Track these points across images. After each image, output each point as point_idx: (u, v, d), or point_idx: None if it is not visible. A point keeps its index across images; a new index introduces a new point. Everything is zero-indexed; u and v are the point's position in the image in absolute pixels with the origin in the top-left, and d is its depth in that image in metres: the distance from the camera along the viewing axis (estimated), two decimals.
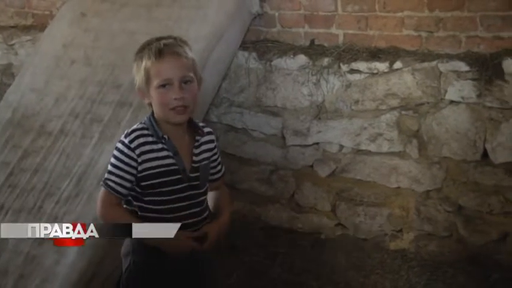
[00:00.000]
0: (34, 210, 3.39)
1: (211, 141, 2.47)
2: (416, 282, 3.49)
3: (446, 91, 3.50)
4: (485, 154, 3.48)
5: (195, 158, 2.39)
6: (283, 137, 4.01)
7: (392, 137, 3.67)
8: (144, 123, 2.38)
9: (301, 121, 3.92)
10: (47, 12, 4.94)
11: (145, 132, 2.35)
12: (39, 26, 4.93)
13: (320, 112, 3.85)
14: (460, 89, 3.46)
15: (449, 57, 3.52)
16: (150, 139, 2.34)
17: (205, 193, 2.46)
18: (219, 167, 2.55)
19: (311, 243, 3.93)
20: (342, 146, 3.84)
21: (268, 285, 3.55)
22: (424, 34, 3.64)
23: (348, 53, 3.78)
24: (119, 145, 2.35)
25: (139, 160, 2.32)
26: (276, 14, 4.07)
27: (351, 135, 3.79)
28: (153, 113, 2.38)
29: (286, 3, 4.02)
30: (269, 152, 4.07)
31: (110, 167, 2.36)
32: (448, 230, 3.64)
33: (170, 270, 2.38)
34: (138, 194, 2.37)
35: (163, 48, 2.30)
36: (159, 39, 2.35)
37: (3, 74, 5.15)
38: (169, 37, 2.38)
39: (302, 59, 3.87)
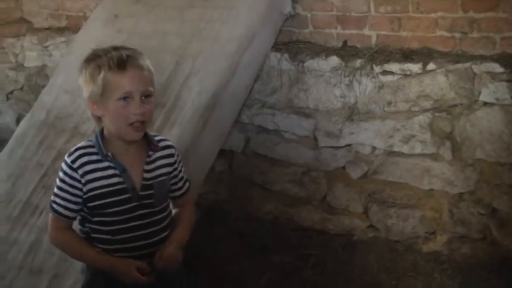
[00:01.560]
0: None
1: (170, 155, 2.35)
2: (449, 285, 3.46)
3: (480, 92, 3.46)
4: None
5: (146, 175, 2.27)
6: (315, 139, 4.00)
7: (425, 138, 3.65)
8: (90, 140, 2.27)
9: (333, 122, 3.91)
10: (80, 14, 4.99)
11: (90, 150, 2.24)
12: (72, 27, 4.99)
13: (352, 113, 3.83)
14: (494, 91, 3.42)
15: (484, 58, 3.48)
16: (94, 157, 2.23)
17: (163, 211, 2.34)
18: (180, 184, 2.43)
19: (343, 245, 3.91)
20: (374, 148, 3.82)
21: (299, 286, 3.54)
22: (457, 35, 3.61)
23: (381, 54, 3.76)
24: (62, 165, 2.25)
25: (83, 181, 2.21)
26: (309, 15, 4.06)
27: (384, 137, 3.77)
28: (102, 129, 2.26)
29: (319, 4, 4.01)
30: (301, 153, 4.06)
31: (55, 189, 2.27)
32: (481, 233, 3.61)
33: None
34: (87, 215, 2.28)
35: (126, 59, 2.17)
36: (116, 48, 2.23)
37: (38, 76, 5.22)
38: (126, 48, 2.25)
39: (334, 60, 3.86)
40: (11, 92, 5.49)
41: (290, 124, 4.05)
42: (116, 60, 2.17)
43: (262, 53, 3.98)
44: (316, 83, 3.93)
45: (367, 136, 3.82)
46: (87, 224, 2.30)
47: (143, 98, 2.20)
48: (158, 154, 2.32)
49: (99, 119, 2.26)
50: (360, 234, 3.97)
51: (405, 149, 3.71)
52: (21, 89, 5.42)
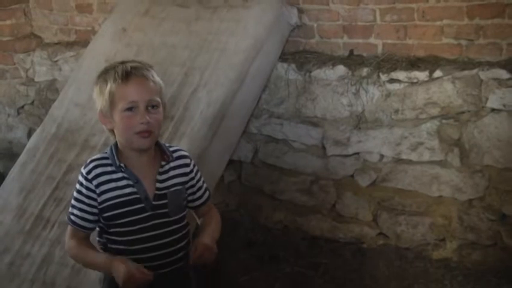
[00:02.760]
0: None
1: (184, 165, 2.37)
2: None
3: (487, 99, 3.47)
4: None
5: (159, 185, 2.30)
6: (324, 147, 4.01)
7: (433, 145, 3.65)
8: (105, 152, 2.31)
9: (341, 131, 3.93)
10: (89, 28, 5.03)
11: (104, 161, 2.28)
12: (82, 41, 5.01)
13: (360, 122, 3.85)
14: (502, 97, 3.42)
15: (490, 65, 3.49)
16: (109, 169, 2.26)
17: (179, 221, 2.35)
18: (199, 193, 2.44)
19: (353, 253, 3.92)
20: (382, 156, 3.83)
21: None
22: (464, 42, 3.62)
23: (387, 62, 3.77)
24: (79, 177, 2.29)
25: (98, 191, 2.25)
26: (315, 24, 4.08)
27: (392, 145, 3.78)
28: (116, 141, 2.31)
29: (325, 14, 4.03)
30: (309, 162, 4.08)
31: (72, 201, 2.31)
32: (491, 239, 3.61)
33: None
34: (104, 225, 2.31)
35: (130, 71, 2.22)
36: (124, 62, 2.28)
37: (48, 90, 5.25)
38: (134, 61, 2.31)
39: (341, 69, 3.88)
40: (22, 107, 5.53)
41: (298, 133, 4.06)
42: (120, 72, 2.22)
43: (269, 63, 4.01)
44: (324, 92, 3.94)
45: (375, 144, 3.83)
46: (104, 235, 2.34)
47: (149, 108, 2.23)
48: (172, 164, 2.35)
49: (112, 131, 2.31)
50: (370, 242, 3.97)
51: (413, 156, 3.72)
52: (32, 103, 5.45)
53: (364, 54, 3.94)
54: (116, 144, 2.31)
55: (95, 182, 2.25)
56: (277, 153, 4.18)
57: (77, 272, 3.27)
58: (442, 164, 3.67)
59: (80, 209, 2.29)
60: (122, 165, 2.26)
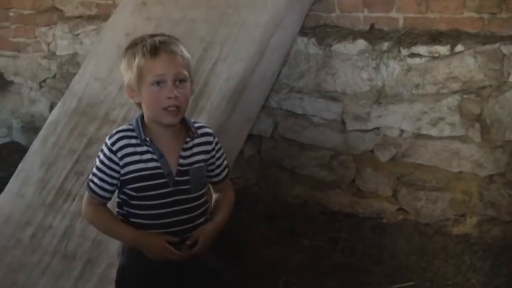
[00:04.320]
0: None
1: (208, 142, 2.38)
2: (480, 267, 3.45)
3: (509, 74, 3.43)
4: None
5: (182, 161, 2.30)
6: (343, 122, 4.00)
7: (454, 121, 3.63)
8: (131, 124, 2.32)
9: (361, 106, 3.91)
10: (110, 2, 5.04)
11: (130, 134, 2.29)
12: (102, 15, 5.02)
13: (380, 97, 3.83)
14: None
15: None
16: (133, 141, 2.27)
17: (200, 198, 2.37)
18: (217, 171, 2.44)
19: (372, 228, 3.92)
20: (402, 131, 3.81)
21: (329, 270, 3.56)
22: (486, 16, 3.58)
23: (408, 36, 3.74)
24: (103, 146, 2.31)
25: (121, 163, 2.27)
26: None
27: (412, 120, 3.76)
28: (142, 114, 2.32)
29: None
30: (329, 137, 4.07)
31: (93, 169, 2.33)
32: None
33: (156, 275, 2.33)
34: (127, 197, 2.33)
35: (158, 45, 2.22)
36: (152, 36, 2.28)
37: (69, 64, 5.28)
38: (163, 34, 2.31)
39: (361, 43, 3.85)
40: (44, 81, 5.56)
41: (318, 108, 4.05)
42: (149, 46, 2.22)
43: (289, 37, 3.99)
44: (344, 66, 3.92)
45: (395, 119, 3.81)
46: (125, 208, 2.36)
47: (177, 82, 2.24)
48: (196, 141, 2.36)
49: (139, 105, 2.32)
50: (389, 217, 3.97)
51: (434, 131, 3.70)
52: (54, 77, 5.48)
53: (385, 28, 3.91)
54: (142, 117, 2.32)
55: (119, 154, 2.27)
56: (297, 128, 4.18)
57: (97, 245, 3.31)
58: (462, 139, 3.64)
59: (101, 179, 2.31)
60: (148, 139, 2.28)
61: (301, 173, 4.21)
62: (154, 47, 2.22)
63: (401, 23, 3.85)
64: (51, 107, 5.22)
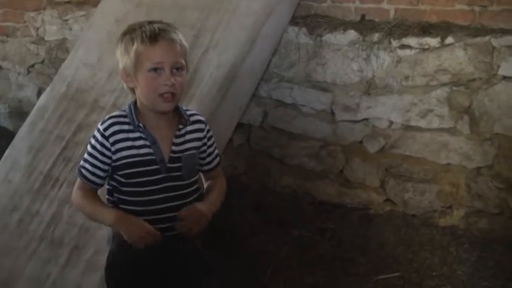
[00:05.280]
0: None
1: (199, 130, 2.38)
2: (466, 259, 3.47)
3: (499, 67, 3.44)
4: None
5: (174, 148, 2.31)
6: (333, 113, 4.00)
7: (443, 113, 3.64)
8: (124, 110, 2.32)
9: (350, 97, 3.91)
10: None
11: (122, 120, 2.28)
12: (92, 1, 4.97)
13: (370, 88, 3.83)
14: None
15: (503, 32, 3.45)
16: (126, 127, 2.27)
17: (192, 185, 2.37)
18: (209, 159, 2.45)
19: (360, 218, 3.92)
20: (391, 122, 3.82)
21: (316, 260, 3.57)
22: (477, 8, 3.59)
23: (399, 28, 3.74)
24: (95, 132, 2.30)
25: (113, 149, 2.26)
26: None
27: (401, 111, 3.76)
28: (135, 100, 2.32)
29: None
30: (318, 127, 4.07)
31: (85, 155, 2.32)
32: (499, 207, 3.60)
33: (146, 262, 2.33)
34: (117, 184, 2.32)
35: (158, 32, 2.22)
36: (151, 22, 2.28)
37: (58, 49, 5.25)
38: (161, 22, 2.30)
39: (352, 34, 3.85)
40: (32, 66, 5.53)
41: (308, 98, 4.05)
42: (148, 33, 2.22)
43: (280, 26, 3.98)
44: (334, 57, 3.92)
45: (385, 110, 3.82)
46: (116, 194, 2.35)
47: (174, 70, 2.24)
48: (188, 128, 2.36)
49: (133, 90, 2.32)
50: (377, 208, 3.98)
51: (422, 123, 3.71)
52: (42, 62, 5.45)
53: (376, 20, 3.91)
54: (134, 103, 2.32)
55: (111, 140, 2.26)
56: (287, 118, 4.18)
57: (85, 231, 3.30)
58: (451, 131, 3.65)
59: (92, 164, 2.30)
60: (141, 125, 2.27)
61: (290, 162, 4.21)
62: (154, 33, 2.22)
63: (392, 14, 3.86)
64: (39, 93, 5.19)
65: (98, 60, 4.01)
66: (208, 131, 2.43)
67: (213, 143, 2.46)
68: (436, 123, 3.68)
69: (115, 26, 4.11)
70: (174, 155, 2.31)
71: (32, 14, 5.42)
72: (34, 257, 3.34)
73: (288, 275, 3.44)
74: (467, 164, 3.63)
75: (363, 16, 3.96)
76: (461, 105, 3.59)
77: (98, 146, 2.28)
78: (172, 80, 2.22)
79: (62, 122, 3.83)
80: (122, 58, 2.29)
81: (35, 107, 4.05)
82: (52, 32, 5.29)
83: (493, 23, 3.54)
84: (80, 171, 2.33)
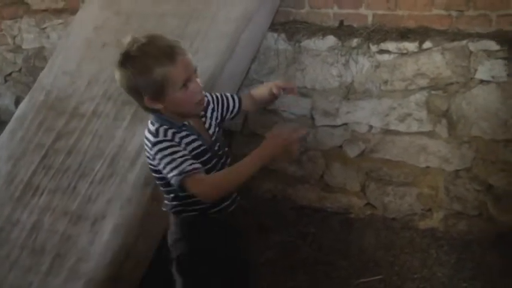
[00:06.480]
0: (68, 191, 3.46)
1: (208, 102, 2.47)
2: (446, 261, 3.51)
3: (476, 70, 3.49)
4: None
5: (210, 132, 2.43)
6: (313, 118, 4.03)
7: (422, 116, 3.68)
8: (156, 121, 2.31)
9: (330, 102, 3.94)
10: None
11: (165, 126, 2.30)
12: (70, 9, 4.97)
13: (349, 93, 3.86)
14: (491, 68, 3.44)
15: (480, 36, 3.50)
16: (173, 130, 2.30)
17: (228, 155, 2.50)
18: (231, 103, 2.58)
19: (340, 222, 3.96)
20: (371, 126, 3.85)
21: (298, 264, 3.58)
22: (454, 13, 3.63)
23: (377, 33, 3.77)
24: (161, 144, 2.27)
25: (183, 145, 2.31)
26: None
27: (380, 116, 3.80)
28: (157, 113, 2.32)
29: None
30: None
31: (173, 163, 2.24)
32: (477, 209, 3.65)
33: (228, 253, 2.49)
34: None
35: (171, 50, 2.22)
36: (149, 42, 2.24)
37: (36, 58, 5.22)
38: (163, 37, 2.28)
39: (331, 40, 3.87)
40: (9, 74, 5.50)
41: (288, 103, 4.06)
42: (164, 54, 2.22)
43: (259, 33, 3.99)
44: (313, 62, 3.95)
45: (364, 115, 3.85)
46: (181, 194, 2.37)
47: (194, 75, 2.31)
48: (207, 112, 2.47)
49: (158, 110, 2.31)
50: (357, 212, 4.01)
51: (401, 127, 3.75)
52: (20, 71, 5.43)
53: (355, 25, 3.94)
54: (159, 115, 2.32)
55: (177, 139, 2.29)
56: (268, 123, 4.18)
57: (66, 239, 3.28)
58: (430, 135, 3.69)
59: (183, 156, 2.26)
60: (185, 123, 2.34)
61: (271, 168, 4.21)
62: (168, 53, 2.22)
63: (370, 19, 3.88)
64: (17, 101, 5.17)
65: (77, 68, 3.99)
66: (210, 94, 2.53)
67: (221, 93, 2.59)
68: (415, 127, 3.71)
69: (94, 33, 4.11)
70: (213, 138, 2.43)
71: (9, 22, 5.39)
72: (15, 266, 3.31)
73: (271, 280, 3.44)
74: (446, 167, 3.67)
75: (341, 22, 3.98)
76: (439, 108, 3.63)
77: (175, 144, 2.28)
78: (201, 84, 2.32)
79: (42, 130, 3.81)
80: (144, 89, 2.25)
81: (14, 116, 4.02)
82: (29, 40, 5.27)
83: (469, 28, 3.59)
84: (186, 170, 2.24)
